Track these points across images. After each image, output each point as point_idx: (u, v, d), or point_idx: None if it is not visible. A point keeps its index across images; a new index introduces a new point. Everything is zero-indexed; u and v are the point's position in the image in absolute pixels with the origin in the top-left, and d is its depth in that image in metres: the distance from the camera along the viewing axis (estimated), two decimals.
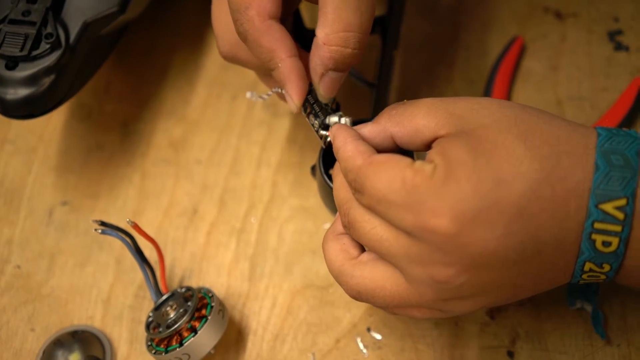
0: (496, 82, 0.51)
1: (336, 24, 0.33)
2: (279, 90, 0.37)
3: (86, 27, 0.44)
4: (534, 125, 0.29)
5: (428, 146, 0.32)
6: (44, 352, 0.43)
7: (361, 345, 0.43)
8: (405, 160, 0.30)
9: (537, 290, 0.31)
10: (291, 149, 0.51)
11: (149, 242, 0.42)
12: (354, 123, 0.38)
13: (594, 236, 0.27)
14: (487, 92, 0.51)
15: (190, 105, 0.54)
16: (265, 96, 0.38)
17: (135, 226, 0.41)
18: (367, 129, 0.34)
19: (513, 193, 0.27)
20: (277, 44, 0.34)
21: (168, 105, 0.54)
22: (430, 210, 0.27)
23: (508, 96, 0.51)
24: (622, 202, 0.27)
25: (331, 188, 0.39)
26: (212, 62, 0.55)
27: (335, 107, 0.39)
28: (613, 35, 0.53)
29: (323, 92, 0.36)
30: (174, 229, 0.48)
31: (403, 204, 0.28)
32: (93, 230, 0.42)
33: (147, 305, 0.46)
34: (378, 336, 0.43)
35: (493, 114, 0.30)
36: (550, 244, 0.27)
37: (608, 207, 0.27)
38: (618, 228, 0.27)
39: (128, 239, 0.42)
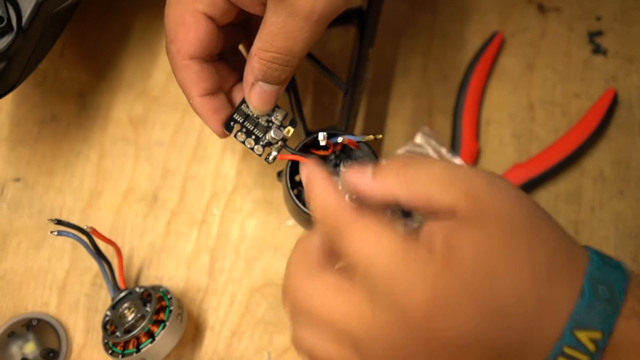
0: (472, 82, 0.49)
1: (268, 44, 0.34)
2: None
3: (39, 6, 0.40)
4: (543, 233, 0.28)
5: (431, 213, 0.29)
6: None
7: None
8: (396, 233, 0.28)
9: None
10: None
11: (109, 244, 0.41)
12: (330, 135, 0.37)
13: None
14: (461, 90, 0.50)
15: (152, 79, 0.51)
16: None
17: (94, 231, 0.40)
18: (366, 186, 0.30)
19: (498, 293, 0.27)
20: (189, 82, 0.36)
21: (128, 77, 0.51)
22: (409, 290, 0.27)
23: (481, 96, 0.50)
24: (598, 335, 0.27)
25: (296, 205, 0.38)
26: None
27: (289, 122, 0.38)
28: (593, 36, 0.52)
29: (253, 102, 0.36)
30: (133, 215, 0.47)
31: (385, 277, 0.27)
32: (49, 230, 0.40)
33: (104, 295, 0.45)
34: None
35: (512, 206, 0.28)
36: (512, 354, 0.27)
37: (582, 335, 0.27)
38: (586, 359, 0.27)
39: (85, 238, 0.41)
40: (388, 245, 0.27)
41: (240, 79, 0.39)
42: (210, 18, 0.36)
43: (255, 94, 0.36)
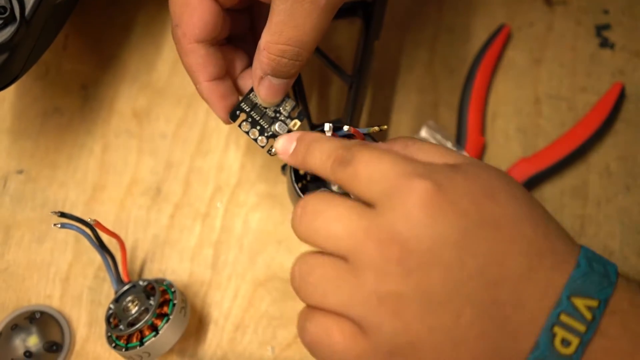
0: (477, 75, 0.49)
1: (276, 35, 0.33)
2: None
3: None
4: (542, 223, 0.29)
5: None
6: (0, 335, 0.43)
7: None
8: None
9: None
10: None
11: (112, 237, 0.41)
12: (335, 127, 0.37)
13: (556, 329, 0.27)
14: (467, 84, 0.49)
15: (156, 71, 0.50)
16: None
17: (97, 224, 0.40)
18: (381, 145, 0.33)
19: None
20: (196, 67, 0.35)
21: (132, 69, 0.50)
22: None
23: (487, 90, 0.49)
24: (594, 302, 0.27)
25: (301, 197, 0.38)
26: None
27: (297, 115, 0.38)
28: (600, 29, 0.51)
29: (262, 95, 0.36)
30: (136, 208, 0.47)
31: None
32: (52, 223, 0.40)
33: (107, 288, 0.45)
34: None
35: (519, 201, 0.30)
36: (510, 314, 0.28)
37: (579, 302, 0.27)
38: (582, 328, 0.27)
39: (89, 231, 0.41)
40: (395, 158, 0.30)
41: (248, 64, 0.38)
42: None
43: (264, 88, 0.35)
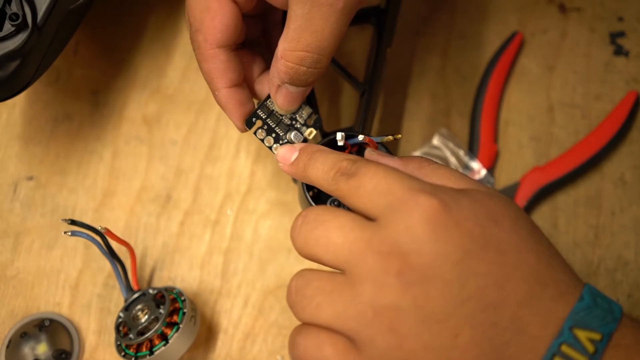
0: (490, 83, 0.49)
1: (294, 42, 0.32)
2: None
3: (55, 3, 0.39)
4: (546, 254, 0.29)
5: None
6: (10, 342, 0.43)
7: None
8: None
9: None
10: None
11: (122, 245, 0.41)
12: (348, 135, 0.36)
13: (556, 359, 0.26)
14: (480, 91, 0.49)
15: (167, 77, 0.50)
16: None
17: (108, 232, 0.39)
18: (394, 163, 0.33)
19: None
20: (216, 72, 0.35)
21: (142, 75, 0.50)
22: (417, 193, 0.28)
23: (500, 97, 0.49)
24: (597, 336, 0.26)
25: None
26: None
27: (313, 123, 0.37)
28: (615, 37, 0.51)
29: (279, 103, 0.36)
30: (146, 215, 0.47)
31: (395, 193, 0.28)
32: (62, 230, 0.40)
33: (117, 295, 0.45)
34: None
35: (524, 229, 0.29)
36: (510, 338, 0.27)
37: (582, 334, 0.26)
38: None
39: (99, 239, 0.40)
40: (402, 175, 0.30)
41: (264, 69, 0.38)
42: (234, 2, 0.34)
43: (282, 96, 0.35)
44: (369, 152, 0.35)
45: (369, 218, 0.29)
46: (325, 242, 0.29)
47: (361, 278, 0.28)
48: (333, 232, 0.29)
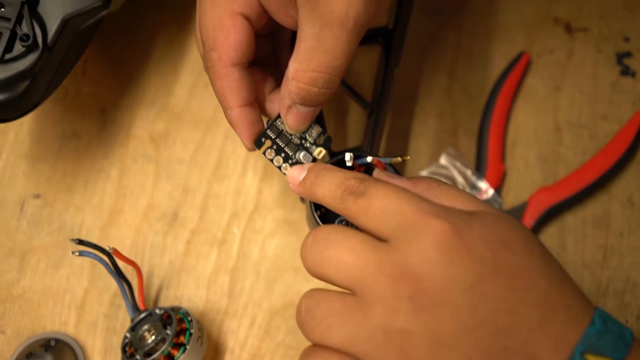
0: (497, 102, 0.49)
1: (306, 62, 0.32)
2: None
3: (65, 23, 0.40)
4: (557, 278, 0.29)
5: None
6: None
7: None
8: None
9: None
10: None
11: (130, 265, 0.41)
12: (356, 156, 0.36)
13: None
14: (486, 111, 0.49)
15: (174, 96, 0.50)
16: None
17: (115, 252, 0.39)
18: (402, 183, 0.32)
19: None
20: (230, 91, 0.35)
21: (150, 94, 0.50)
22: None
23: (507, 117, 0.49)
24: None
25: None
26: None
27: (323, 142, 0.37)
28: (621, 57, 0.51)
29: (290, 123, 0.36)
30: (152, 233, 0.47)
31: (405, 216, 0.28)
32: (69, 249, 0.40)
33: (123, 315, 0.45)
34: None
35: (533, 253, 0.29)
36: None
37: (592, 359, 0.26)
38: None
39: (106, 258, 0.40)
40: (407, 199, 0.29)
41: (274, 87, 0.38)
42: (247, 19, 0.34)
43: (292, 116, 0.35)
44: (377, 173, 0.35)
45: (378, 238, 0.29)
46: (336, 262, 0.29)
47: (372, 300, 0.28)
48: (344, 252, 0.29)
